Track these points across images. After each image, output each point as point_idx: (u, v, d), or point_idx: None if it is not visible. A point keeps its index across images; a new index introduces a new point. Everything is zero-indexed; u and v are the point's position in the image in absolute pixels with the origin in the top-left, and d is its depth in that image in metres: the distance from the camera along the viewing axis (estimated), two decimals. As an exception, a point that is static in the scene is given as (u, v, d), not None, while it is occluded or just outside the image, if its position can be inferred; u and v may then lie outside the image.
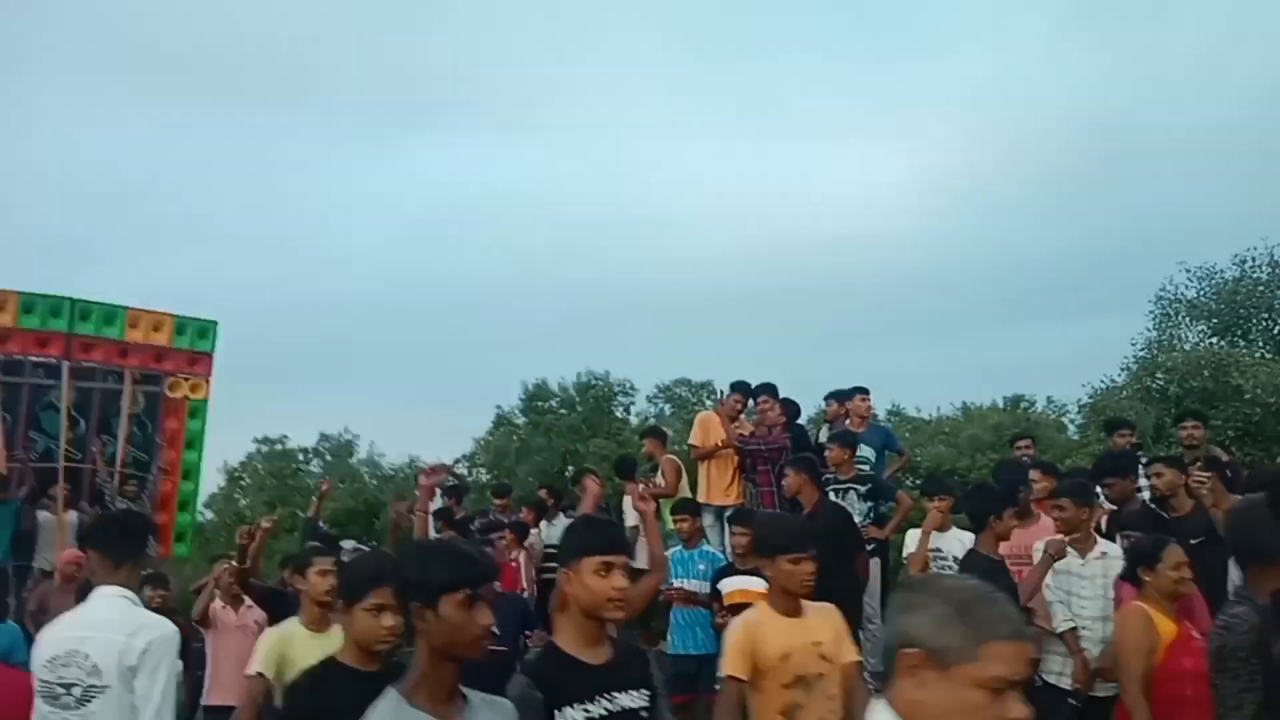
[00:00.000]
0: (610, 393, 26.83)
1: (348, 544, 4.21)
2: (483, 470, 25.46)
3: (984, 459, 19.42)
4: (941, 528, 6.20)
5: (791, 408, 8.05)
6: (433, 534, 8.99)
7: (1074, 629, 4.86)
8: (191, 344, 9.86)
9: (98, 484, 8.97)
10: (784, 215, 59.10)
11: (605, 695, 2.49)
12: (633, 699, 2.54)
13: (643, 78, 64.68)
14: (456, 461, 24.98)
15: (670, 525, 7.78)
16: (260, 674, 3.76)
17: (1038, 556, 4.88)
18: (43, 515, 8.32)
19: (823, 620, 3.51)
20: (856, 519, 6.56)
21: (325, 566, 4.07)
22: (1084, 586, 4.91)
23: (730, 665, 3.36)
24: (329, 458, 27.93)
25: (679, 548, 6.73)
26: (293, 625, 4.02)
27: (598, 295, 49.11)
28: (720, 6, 64.90)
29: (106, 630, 3.05)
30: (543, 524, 8.65)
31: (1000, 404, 23.79)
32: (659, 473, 8.33)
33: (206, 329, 10.00)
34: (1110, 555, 4.98)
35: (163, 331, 9.67)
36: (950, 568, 6.09)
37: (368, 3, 59.79)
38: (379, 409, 37.49)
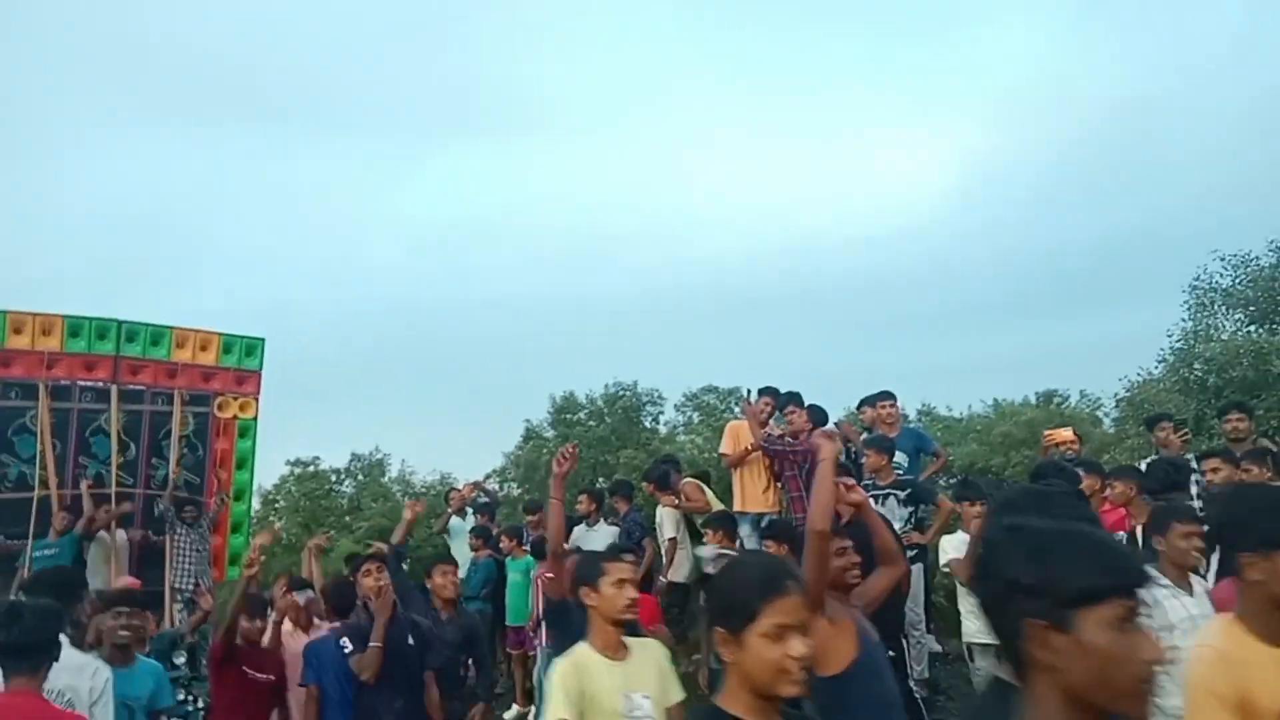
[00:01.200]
0: (639, 403, 26.77)
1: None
2: (514, 485, 25.47)
3: (1018, 456, 19.19)
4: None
5: (817, 414, 7.96)
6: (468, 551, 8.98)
7: None
8: (239, 362, 9.76)
9: (160, 511, 8.87)
10: (806, 216, 59.10)
11: None
12: None
13: (664, 85, 64.83)
14: (487, 477, 25.06)
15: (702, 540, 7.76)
16: None
17: None
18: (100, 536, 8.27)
19: None
20: (897, 525, 6.46)
21: (624, 575, 3.38)
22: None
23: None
24: (361, 477, 28.04)
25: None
26: (585, 652, 3.28)
27: (623, 305, 49.25)
28: (743, 11, 64.97)
29: (71, 675, 3.78)
30: (581, 529, 8.61)
31: (1033, 400, 23.51)
32: (683, 495, 8.27)
33: (254, 346, 9.88)
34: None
35: (210, 351, 9.57)
36: None
37: (381, 23, 60.43)
38: (409, 427, 37.73)
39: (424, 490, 26.67)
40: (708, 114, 65.26)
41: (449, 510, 10.26)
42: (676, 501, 8.17)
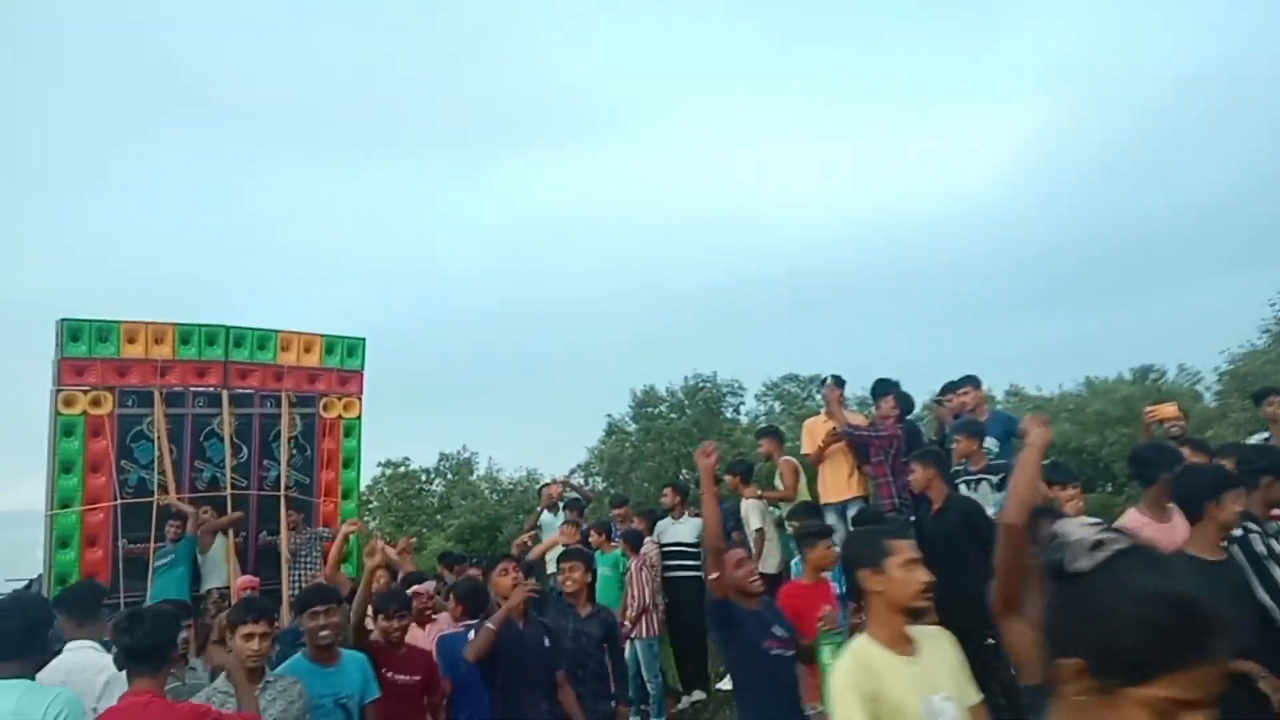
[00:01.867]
0: (719, 394, 26.74)
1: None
2: (598, 479, 25.70)
3: (1114, 434, 18.58)
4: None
5: (906, 401, 7.85)
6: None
7: None
8: (341, 363, 9.90)
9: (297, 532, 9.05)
10: (883, 200, 58.09)
11: None
12: None
13: (726, 78, 64.41)
14: (572, 472, 25.31)
15: (788, 531, 7.73)
16: None
17: None
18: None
19: None
20: (990, 511, 6.33)
21: (912, 554, 2.81)
22: None
23: None
24: (450, 476, 28.63)
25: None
26: (868, 648, 2.72)
27: (700, 297, 49.18)
28: (798, 5, 64.27)
29: (82, 674, 3.89)
30: (667, 522, 8.66)
31: (1128, 376, 22.74)
32: (777, 474, 8.25)
33: (355, 346, 10.03)
34: None
35: (313, 353, 9.71)
36: None
37: (446, 34, 61.40)
38: (495, 425, 38.39)
39: (511, 486, 27.10)
40: (772, 106, 64.76)
41: (538, 508, 10.41)
42: (759, 492, 8.19)
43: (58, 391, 8.39)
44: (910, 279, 50.42)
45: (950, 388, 8.17)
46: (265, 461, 9.34)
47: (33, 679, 3.44)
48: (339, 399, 9.87)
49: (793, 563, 6.98)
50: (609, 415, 27.30)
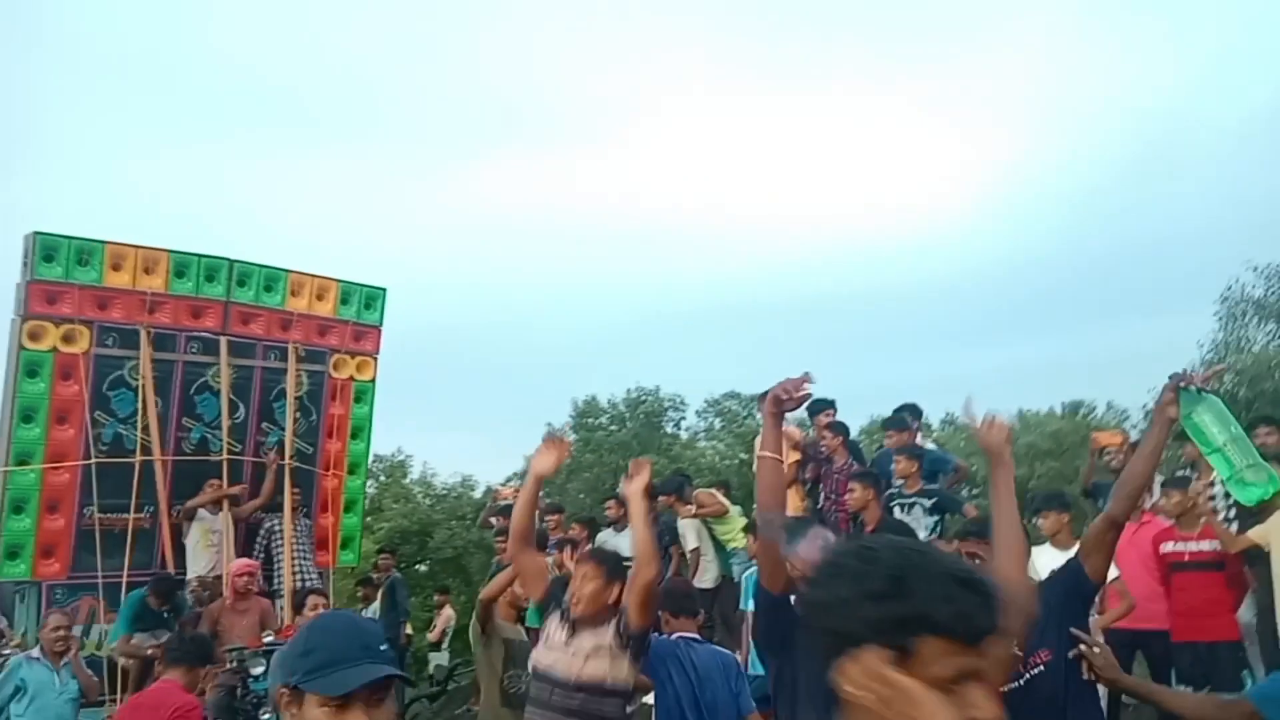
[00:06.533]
0: (661, 408, 26.79)
1: None
2: (534, 488, 25.52)
3: (1043, 467, 19.06)
4: (1064, 544, 5.96)
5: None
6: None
7: None
8: (358, 315, 8.49)
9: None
10: (830, 223, 58.95)
11: None
12: None
13: (688, 93, 64.93)
14: (508, 480, 25.09)
15: (734, 544, 7.78)
16: None
17: None
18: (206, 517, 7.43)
19: None
20: (922, 534, 6.42)
21: None
22: None
23: None
24: (383, 478, 28.17)
25: (755, 568, 6.65)
26: None
27: (646, 311, 49.29)
28: (768, 19, 65.09)
29: None
30: (609, 533, 8.59)
31: (1059, 411, 23.34)
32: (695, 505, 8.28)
33: (374, 297, 8.62)
34: None
35: (327, 300, 8.34)
36: None
37: (417, 32, 61.01)
38: (430, 429, 37.81)
39: (445, 491, 26.76)
40: (733, 125, 65.33)
41: (488, 513, 10.28)
42: (694, 510, 8.21)
43: (22, 320, 6.96)
44: (852, 304, 51.23)
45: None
46: (264, 424, 8.00)
47: None
48: (352, 357, 8.49)
49: (745, 576, 6.99)
50: (548, 424, 27.19)
